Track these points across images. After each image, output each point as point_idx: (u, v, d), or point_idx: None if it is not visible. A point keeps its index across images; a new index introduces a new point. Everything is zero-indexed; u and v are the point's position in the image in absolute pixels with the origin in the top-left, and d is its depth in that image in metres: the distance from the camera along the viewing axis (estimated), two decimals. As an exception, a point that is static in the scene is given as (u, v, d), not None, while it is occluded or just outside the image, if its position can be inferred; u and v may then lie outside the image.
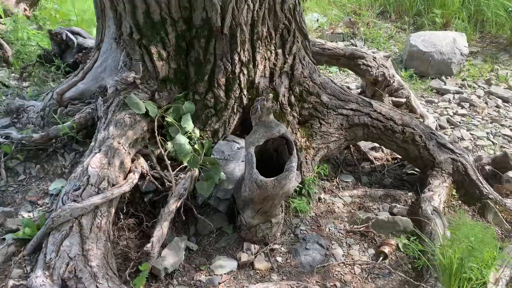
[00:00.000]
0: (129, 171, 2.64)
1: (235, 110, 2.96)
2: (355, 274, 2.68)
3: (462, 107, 4.71)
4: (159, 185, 2.69)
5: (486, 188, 3.18)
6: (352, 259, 2.76)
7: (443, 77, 5.23)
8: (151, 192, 2.73)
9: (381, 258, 2.75)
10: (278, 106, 3.03)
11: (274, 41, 2.96)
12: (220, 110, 2.91)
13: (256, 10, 2.78)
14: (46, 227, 2.27)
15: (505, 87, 5.06)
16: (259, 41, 2.87)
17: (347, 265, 2.72)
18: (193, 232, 2.81)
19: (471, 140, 4.17)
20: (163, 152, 2.72)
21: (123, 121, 2.68)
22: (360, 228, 2.94)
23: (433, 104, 4.79)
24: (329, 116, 3.15)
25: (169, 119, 2.83)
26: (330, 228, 2.95)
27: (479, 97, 4.90)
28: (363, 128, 3.23)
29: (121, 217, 2.62)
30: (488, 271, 2.43)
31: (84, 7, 5.63)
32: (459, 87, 5.08)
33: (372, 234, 2.91)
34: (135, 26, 2.69)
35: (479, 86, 5.09)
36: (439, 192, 3.12)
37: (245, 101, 2.96)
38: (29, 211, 2.74)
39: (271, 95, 2.42)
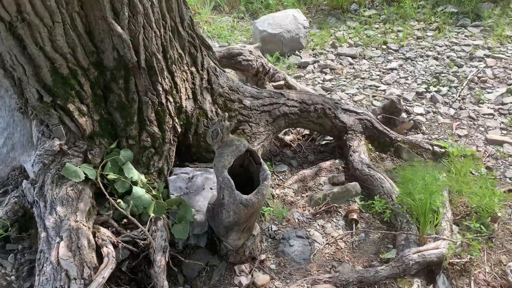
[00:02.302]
0: (97, 246, 2.31)
1: (172, 142, 2.81)
2: (342, 248, 2.86)
3: (326, 73, 5.24)
4: (134, 249, 2.42)
5: (393, 133, 3.67)
6: (332, 236, 2.93)
7: (297, 52, 5.70)
8: (126, 259, 2.44)
9: (354, 225, 2.98)
10: (210, 123, 2.96)
11: (185, 61, 2.86)
12: (159, 146, 2.73)
13: (162, 35, 2.65)
14: None
15: (347, 46, 5.77)
16: (173, 65, 2.75)
17: (331, 244, 2.89)
18: (182, 280, 2.62)
19: (349, 98, 4.70)
20: (123, 212, 2.44)
21: (68, 196, 2.32)
22: (321, 207, 3.12)
23: (302, 78, 5.21)
24: (255, 117, 3.21)
25: (111, 175, 2.53)
26: (298, 218, 3.07)
27: (332, 60, 5.50)
28: (284, 118, 3.38)
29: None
30: (440, 199, 2.86)
31: None
32: (314, 57, 5.62)
33: (335, 208, 3.12)
34: (43, 88, 2.31)
35: (328, 51, 5.70)
36: (361, 150, 3.49)
37: (178, 129, 2.82)
38: None
39: (226, 114, 2.37)
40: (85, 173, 2.42)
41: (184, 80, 2.84)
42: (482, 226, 2.83)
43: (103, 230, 2.40)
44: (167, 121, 2.73)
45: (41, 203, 2.31)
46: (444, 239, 2.67)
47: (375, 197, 2.99)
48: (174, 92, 2.76)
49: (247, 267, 2.73)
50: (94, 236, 2.35)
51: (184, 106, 2.83)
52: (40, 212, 2.29)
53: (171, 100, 2.74)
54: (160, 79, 2.64)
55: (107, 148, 2.59)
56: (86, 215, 2.33)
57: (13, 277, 2.34)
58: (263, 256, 2.81)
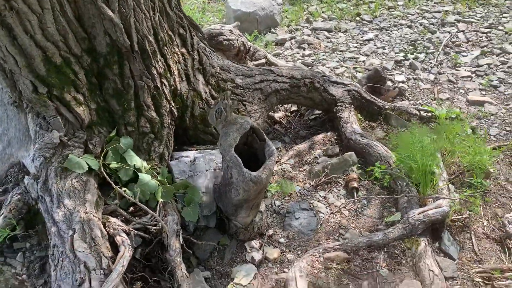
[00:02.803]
0: (109, 236, 2.27)
1: (170, 126, 2.77)
2: (346, 216, 2.92)
3: (304, 48, 5.25)
4: (146, 235, 2.40)
5: (381, 102, 3.74)
6: (335, 206, 2.99)
7: (273, 30, 5.68)
8: (139, 246, 2.41)
9: (355, 193, 3.04)
10: (205, 104, 2.94)
11: (175, 42, 2.81)
12: (158, 131, 2.68)
13: (152, 16, 2.58)
14: None
15: (322, 20, 5.79)
16: (165, 47, 2.69)
17: (335, 213, 2.94)
18: (195, 262, 2.61)
19: (331, 72, 4.74)
20: (131, 198, 2.40)
21: (74, 188, 2.26)
22: (321, 179, 3.16)
23: (281, 55, 5.21)
24: (248, 95, 3.20)
25: (113, 164, 2.48)
26: (300, 191, 3.10)
27: (309, 35, 5.52)
28: (275, 94, 3.39)
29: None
30: (436, 160, 2.95)
31: None
32: (290, 33, 5.61)
33: (334, 178, 3.16)
34: (37, 79, 2.22)
35: (303, 27, 5.71)
36: (352, 121, 3.54)
37: (175, 112, 2.78)
38: None
39: (228, 92, 2.35)
40: (88, 164, 2.36)
41: (176, 62, 2.79)
42: (482, 181, 2.94)
43: (112, 219, 2.36)
44: (164, 105, 2.69)
45: (47, 197, 2.24)
46: (445, 198, 2.76)
47: (375, 163, 3.05)
48: (168, 75, 2.71)
49: (257, 243, 2.75)
50: (105, 227, 2.31)
51: (178, 88, 2.78)
52: (47, 207, 2.22)
53: (166, 83, 2.69)
54: (153, 62, 2.58)
55: (107, 137, 2.53)
56: (94, 206, 2.28)
57: (24, 276, 2.28)
58: (270, 231, 2.83)
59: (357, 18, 5.75)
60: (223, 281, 2.54)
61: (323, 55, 5.03)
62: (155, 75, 2.60)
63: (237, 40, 4.26)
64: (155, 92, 2.63)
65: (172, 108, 2.74)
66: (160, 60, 2.64)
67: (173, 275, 2.27)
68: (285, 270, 2.60)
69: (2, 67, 2.19)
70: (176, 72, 2.76)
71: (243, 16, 5.54)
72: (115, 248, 2.24)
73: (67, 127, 2.36)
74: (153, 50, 2.58)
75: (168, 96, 2.70)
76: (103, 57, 2.42)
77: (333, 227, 2.85)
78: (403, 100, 4.06)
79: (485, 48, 4.77)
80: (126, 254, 2.12)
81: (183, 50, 2.85)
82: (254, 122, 2.52)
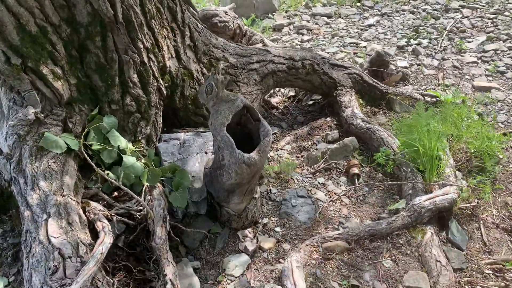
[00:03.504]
0: (89, 222, 2.08)
1: (158, 106, 2.57)
2: (347, 204, 2.74)
3: (302, 34, 5.06)
4: (130, 222, 2.21)
5: (383, 86, 3.55)
6: (335, 193, 2.80)
7: (270, 15, 5.47)
8: (122, 233, 2.22)
9: (356, 179, 2.85)
10: (196, 84, 2.74)
11: (165, 16, 2.61)
12: (145, 111, 2.49)
13: (138, -15, 2.38)
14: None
15: (321, 5, 5.59)
16: (153, 21, 2.49)
17: (335, 201, 2.75)
18: (184, 251, 2.42)
19: (331, 57, 4.54)
20: (115, 182, 2.21)
21: (51, 169, 2.06)
22: (320, 165, 2.97)
23: (279, 40, 5.01)
24: (243, 76, 3.00)
25: (95, 145, 2.29)
26: (297, 178, 2.91)
27: (308, 21, 5.32)
28: (272, 76, 3.19)
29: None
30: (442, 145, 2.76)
31: None
32: (288, 18, 5.41)
33: (334, 164, 2.98)
34: (9, 49, 2.01)
35: (302, 12, 5.51)
36: (353, 105, 3.35)
37: (164, 91, 2.58)
38: None
39: (220, 64, 2.16)
40: (66, 144, 2.17)
41: (165, 37, 2.59)
42: (495, 167, 2.76)
43: (93, 204, 2.17)
44: (151, 82, 2.49)
45: (21, 179, 2.04)
46: (452, 185, 2.58)
47: (380, 148, 2.86)
48: (156, 50, 2.51)
49: (250, 232, 2.57)
50: (84, 212, 2.12)
51: (167, 66, 2.59)
52: (21, 189, 2.03)
53: (154, 59, 2.49)
54: (140, 36, 2.38)
55: (88, 115, 2.33)
56: (73, 189, 2.09)
57: (-5, 264, 2.09)
58: (265, 220, 2.65)
59: (358, 4, 5.55)
60: (213, 271, 2.35)
61: (323, 41, 4.84)
62: (142, 50, 2.40)
63: (233, 22, 4.07)
64: (141, 68, 2.43)
65: (161, 86, 2.55)
66: (147, 34, 2.44)
67: (158, 264, 2.07)
68: (281, 260, 2.41)
69: (-29, 35, 1.99)
70: (165, 48, 2.57)
71: (239, 1, 5.33)
72: (95, 235, 2.05)
73: (44, 103, 2.16)
74: (140, 23, 2.38)
75: (156, 73, 2.51)
76: (84, 28, 2.22)
77: (333, 215, 2.67)
78: (406, 85, 3.87)
79: (491, 33, 4.58)
80: (106, 240, 1.93)
81: (173, 25, 2.65)
82: (247, 101, 2.33)
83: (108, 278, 1.91)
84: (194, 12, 2.84)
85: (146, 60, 2.44)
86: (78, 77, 2.28)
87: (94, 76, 2.32)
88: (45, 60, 2.11)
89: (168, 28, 2.62)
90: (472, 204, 2.61)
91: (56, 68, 2.16)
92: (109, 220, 2.14)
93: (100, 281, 1.83)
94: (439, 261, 2.26)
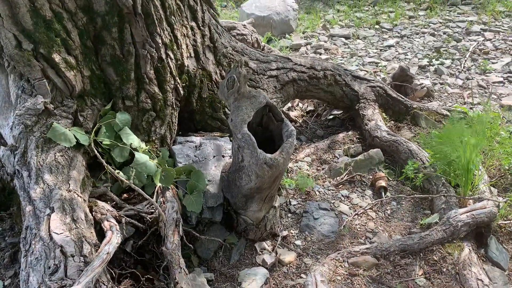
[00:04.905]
0: (96, 222, 1.90)
1: (174, 106, 2.43)
2: (373, 218, 2.53)
3: (320, 53, 4.96)
4: (140, 225, 2.02)
5: (408, 101, 3.39)
6: (360, 207, 2.59)
7: (287, 36, 5.41)
8: (130, 237, 2.03)
9: (383, 193, 2.65)
10: (214, 86, 2.61)
11: (185, 14, 2.50)
12: (161, 110, 2.34)
13: (159, -21, 2.28)
14: None
15: (339, 27, 5.52)
16: (172, 17, 2.38)
17: (361, 215, 2.55)
18: (197, 261, 2.22)
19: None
20: (126, 181, 2.03)
21: (57, 163, 1.90)
22: (343, 177, 2.78)
23: (296, 59, 4.90)
24: (262, 82, 2.86)
25: (106, 141, 2.13)
26: (319, 190, 2.72)
27: (325, 41, 5.23)
28: (292, 84, 3.05)
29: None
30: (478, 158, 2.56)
31: None
32: (305, 39, 5.33)
33: (359, 177, 2.78)
34: (22, 33, 1.90)
35: (319, 33, 5.44)
36: (377, 118, 3.18)
37: (181, 91, 2.45)
38: None
39: (243, 59, 2.02)
40: (76, 138, 2.01)
41: (184, 35, 2.47)
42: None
43: (101, 203, 1.99)
44: (168, 80, 2.36)
45: (24, 172, 1.88)
46: (489, 200, 2.36)
47: (408, 160, 2.67)
48: (175, 47, 2.39)
49: (268, 244, 2.37)
50: (91, 211, 1.94)
51: (186, 65, 2.46)
52: (24, 183, 1.86)
53: (172, 56, 2.37)
54: (159, 30, 2.27)
55: (100, 110, 2.19)
56: (80, 185, 1.92)
57: (-8, 265, 1.90)
58: (285, 232, 2.44)
59: (376, 26, 5.47)
60: (228, 285, 2.14)
61: (341, 60, 4.73)
62: (160, 45, 2.28)
63: (251, 35, 3.99)
64: (158, 64, 2.30)
65: (178, 85, 2.41)
66: (166, 30, 2.33)
67: (169, 271, 1.87)
68: (302, 276, 2.20)
69: (-18, 16, 1.88)
70: (183, 46, 2.45)
71: (257, 20, 5.28)
72: (101, 236, 1.86)
73: (55, 93, 2.03)
74: (159, 17, 2.27)
75: (173, 71, 2.38)
76: (101, 17, 2.11)
77: (359, 230, 2.45)
78: (431, 101, 3.71)
79: (516, 55, 4.45)
80: (113, 240, 1.74)
81: (193, 23, 2.55)
82: (269, 99, 2.18)
83: (113, 284, 1.71)
84: (215, 13, 2.74)
85: (164, 56, 2.31)
86: (91, 69, 2.15)
87: (108, 69, 2.20)
88: (58, 48, 1.99)
89: (187, 26, 2.51)
90: None
91: (70, 57, 2.04)
92: (118, 221, 1.95)
93: (104, 285, 1.63)
94: (481, 279, 2.02)
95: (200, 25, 2.58)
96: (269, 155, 1.99)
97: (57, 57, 1.98)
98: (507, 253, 2.26)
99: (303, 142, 3.29)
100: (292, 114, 3.66)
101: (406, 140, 2.89)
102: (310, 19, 5.77)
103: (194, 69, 2.51)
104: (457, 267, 2.13)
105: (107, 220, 1.87)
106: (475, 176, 2.53)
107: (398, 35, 5.23)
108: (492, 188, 2.62)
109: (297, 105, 3.77)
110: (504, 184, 2.71)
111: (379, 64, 4.55)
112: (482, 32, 5.05)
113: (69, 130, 2.01)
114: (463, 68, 4.34)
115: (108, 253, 1.67)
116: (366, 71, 4.41)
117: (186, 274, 1.87)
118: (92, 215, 1.92)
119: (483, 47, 4.69)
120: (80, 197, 1.86)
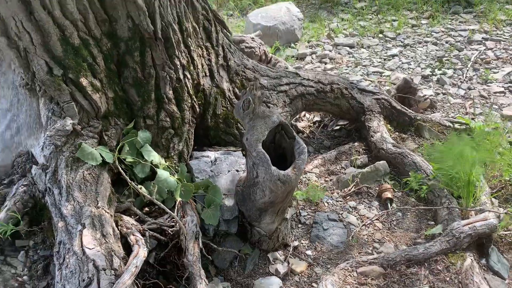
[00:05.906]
0: (122, 236, 2.03)
1: (191, 123, 2.56)
2: (380, 229, 2.66)
3: (325, 63, 5.08)
4: (162, 237, 2.15)
5: (412, 112, 3.51)
6: (367, 218, 2.72)
7: (293, 45, 5.54)
8: (153, 250, 2.17)
9: (388, 204, 2.78)
10: (228, 103, 2.74)
11: (200, 35, 2.64)
12: (178, 127, 2.48)
13: (177, 4, 2.42)
14: None
15: (343, 36, 5.65)
16: (189, 39, 2.52)
17: (368, 226, 2.68)
18: (214, 271, 2.35)
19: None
20: (148, 196, 2.17)
21: (86, 181, 2.04)
22: (351, 189, 2.91)
23: (301, 68, 5.04)
24: (273, 97, 3.00)
25: (129, 158, 2.27)
26: (328, 201, 2.85)
27: (330, 51, 5.36)
28: (301, 98, 3.19)
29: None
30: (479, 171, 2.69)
31: None
32: (310, 48, 5.46)
33: (366, 188, 2.92)
34: (53, 60, 2.04)
35: (324, 43, 5.56)
36: (382, 130, 3.31)
37: (197, 108, 2.58)
38: None
39: (257, 81, 2.15)
40: (102, 156, 2.15)
41: (200, 56, 2.61)
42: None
43: (126, 218, 2.13)
44: (186, 99, 2.49)
45: (55, 190, 2.02)
46: (490, 211, 2.49)
47: (410, 172, 2.80)
48: (192, 68, 2.53)
49: (281, 254, 2.50)
50: (117, 225, 2.07)
51: (201, 84, 2.60)
52: (55, 200, 2.00)
53: (189, 76, 2.51)
54: (177, 53, 2.41)
55: (123, 129, 2.33)
56: (107, 201, 2.06)
57: (25, 277, 2.03)
58: (296, 243, 2.58)
59: (380, 35, 5.60)
60: (244, 294, 2.27)
61: (346, 69, 4.86)
62: (178, 66, 2.42)
63: (259, 48, 4.12)
64: (177, 85, 2.44)
65: (194, 103, 2.55)
66: (184, 52, 2.47)
67: (190, 282, 2.00)
68: (313, 285, 2.33)
69: (16, 45, 2.02)
70: (199, 66, 2.59)
71: (263, 30, 5.41)
72: (127, 250, 2.00)
73: (82, 114, 2.16)
74: (177, 40, 2.40)
75: (190, 90, 2.51)
76: (124, 42, 2.25)
77: (366, 240, 2.58)
78: (434, 113, 3.84)
79: (517, 65, 4.57)
80: (140, 254, 1.88)
81: (207, 44, 2.68)
82: (282, 118, 2.31)
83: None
84: (228, 33, 2.87)
85: (181, 77, 2.45)
86: (115, 91, 2.29)
87: (131, 90, 2.33)
88: (85, 72, 2.13)
89: (203, 47, 2.65)
90: None
91: (95, 80, 2.18)
92: (142, 235, 2.09)
93: (134, 297, 1.77)
94: (483, 288, 2.15)
95: (215, 45, 2.71)
96: (282, 172, 2.12)
97: (84, 81, 2.12)
98: (508, 262, 2.39)
99: (311, 153, 3.42)
100: (300, 125, 3.79)
101: (411, 152, 3.02)
102: (315, 28, 5.90)
103: (209, 87, 2.65)
104: (460, 276, 2.26)
105: (133, 234, 2.01)
106: (476, 187, 2.66)
107: (402, 44, 5.35)
108: (493, 199, 2.74)
109: (304, 115, 3.90)
110: (505, 194, 2.83)
111: (383, 74, 4.68)
112: (483, 41, 5.16)
113: (95, 149, 2.14)
114: (465, 78, 4.46)
115: (136, 266, 1.81)
116: (371, 80, 4.54)
117: (207, 284, 2.01)
118: (118, 229, 2.05)
119: (485, 57, 4.81)
120: (108, 212, 2.00)
